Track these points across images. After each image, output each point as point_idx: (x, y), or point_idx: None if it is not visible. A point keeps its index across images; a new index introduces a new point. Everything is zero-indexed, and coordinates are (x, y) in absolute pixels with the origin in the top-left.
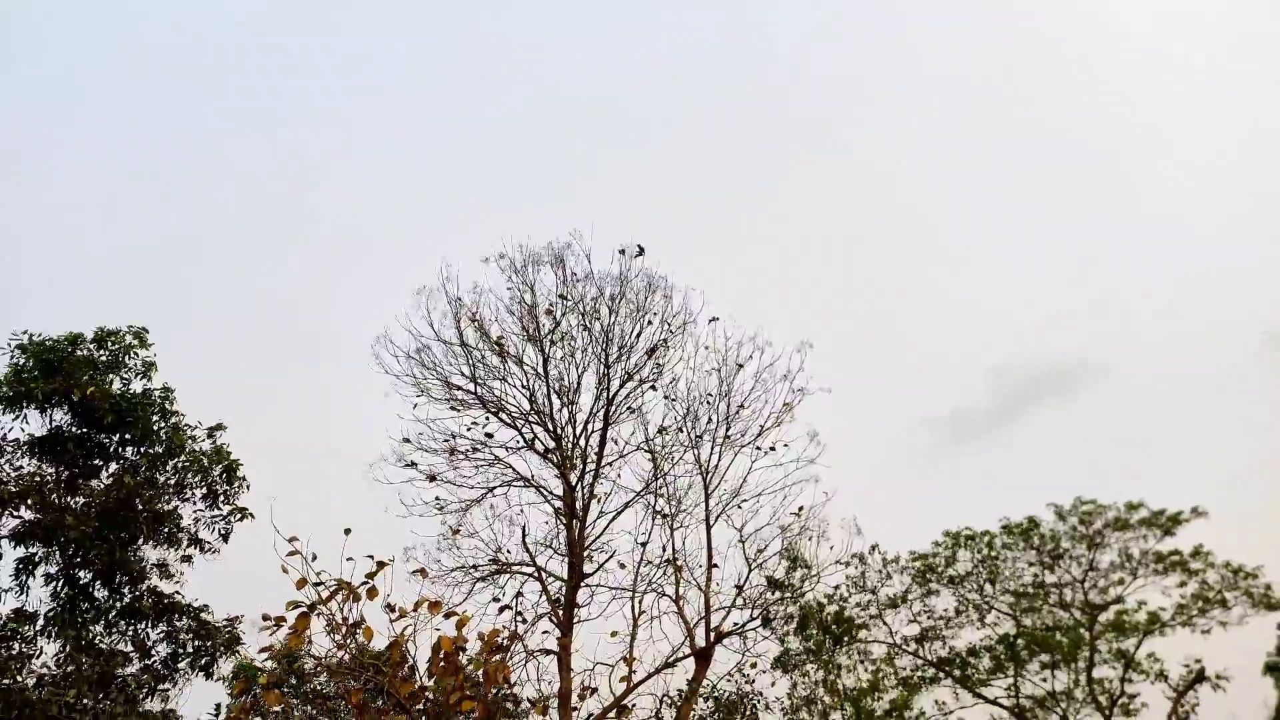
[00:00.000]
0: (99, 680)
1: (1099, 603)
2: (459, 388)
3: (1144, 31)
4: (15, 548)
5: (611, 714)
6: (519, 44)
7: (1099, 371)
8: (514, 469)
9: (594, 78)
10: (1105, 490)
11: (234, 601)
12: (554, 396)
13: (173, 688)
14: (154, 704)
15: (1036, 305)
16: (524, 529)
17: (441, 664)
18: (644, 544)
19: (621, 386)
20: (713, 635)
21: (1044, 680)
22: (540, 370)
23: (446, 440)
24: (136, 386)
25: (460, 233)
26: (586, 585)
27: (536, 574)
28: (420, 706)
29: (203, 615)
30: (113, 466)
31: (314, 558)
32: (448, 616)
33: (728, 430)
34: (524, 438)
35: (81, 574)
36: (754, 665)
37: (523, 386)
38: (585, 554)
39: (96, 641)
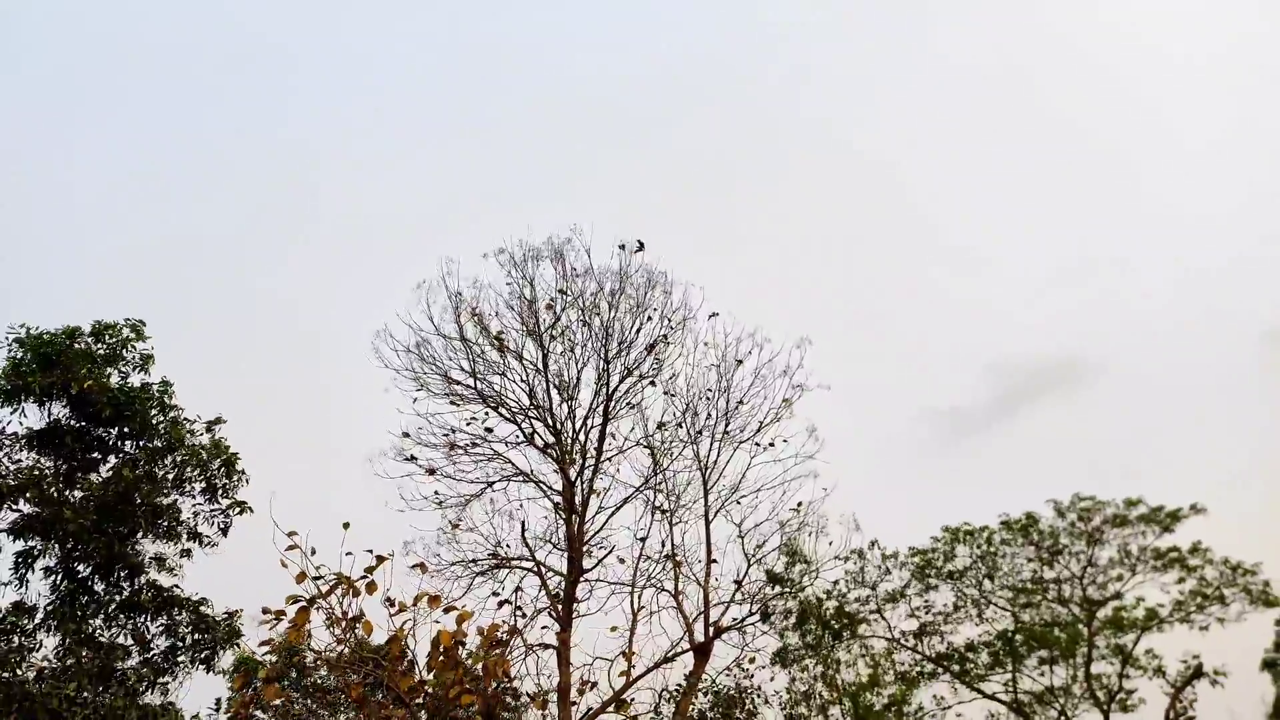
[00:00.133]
0: (99, 673)
1: (1097, 599)
2: (459, 382)
3: (1142, 29)
4: (14, 541)
5: (611, 708)
6: (519, 43)
7: (1097, 368)
8: (513, 464)
9: (594, 77)
10: (1103, 487)
11: (233, 595)
12: (554, 391)
13: (173, 681)
14: (154, 697)
15: (1035, 302)
16: (523, 524)
17: (441, 658)
18: (643, 539)
19: (621, 382)
20: (711, 630)
21: (1042, 675)
22: (540, 365)
23: (446, 435)
24: (135, 380)
25: (461, 232)
26: (586, 580)
27: (536, 569)
28: (420, 700)
29: (202, 609)
30: (112, 460)
31: (313, 552)
32: (447, 611)
33: (727, 426)
34: (524, 433)
35: (80, 567)
36: (752, 660)
37: (522, 381)
38: (584, 549)
39: (96, 635)
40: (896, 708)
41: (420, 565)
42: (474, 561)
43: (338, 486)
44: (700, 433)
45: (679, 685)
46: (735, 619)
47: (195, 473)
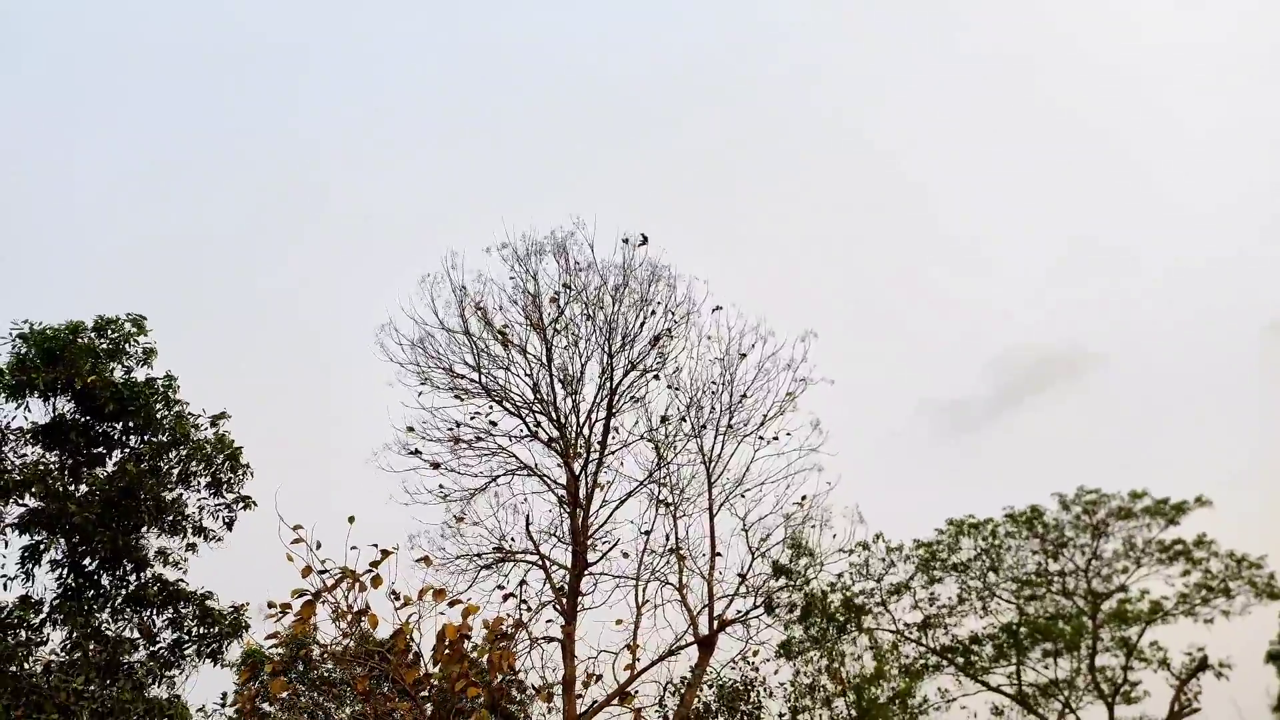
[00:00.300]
0: (106, 667)
1: (1102, 591)
2: (463, 376)
3: (1143, 22)
4: (20, 536)
5: (615, 701)
6: (523, 40)
7: (1099, 362)
8: (518, 458)
9: (596, 74)
10: (1106, 479)
11: (238, 590)
12: (558, 386)
13: (179, 674)
14: (160, 690)
15: (1038, 296)
16: (528, 517)
17: (447, 651)
18: (647, 533)
19: (625, 376)
20: (716, 623)
21: (1046, 668)
22: (544, 359)
23: (450, 429)
24: (139, 375)
25: (465, 229)
26: (590, 573)
27: (540, 562)
28: (425, 693)
29: (207, 602)
30: (117, 455)
31: (318, 546)
32: (452, 604)
33: (730, 420)
34: (528, 426)
35: (86, 562)
36: (756, 653)
37: (526, 375)
38: (589, 543)
39: (102, 629)
40: (901, 700)
41: (425, 559)
42: (479, 555)
43: (341, 482)
44: (704, 426)
45: (683, 678)
46: (740, 612)
47: (200, 467)
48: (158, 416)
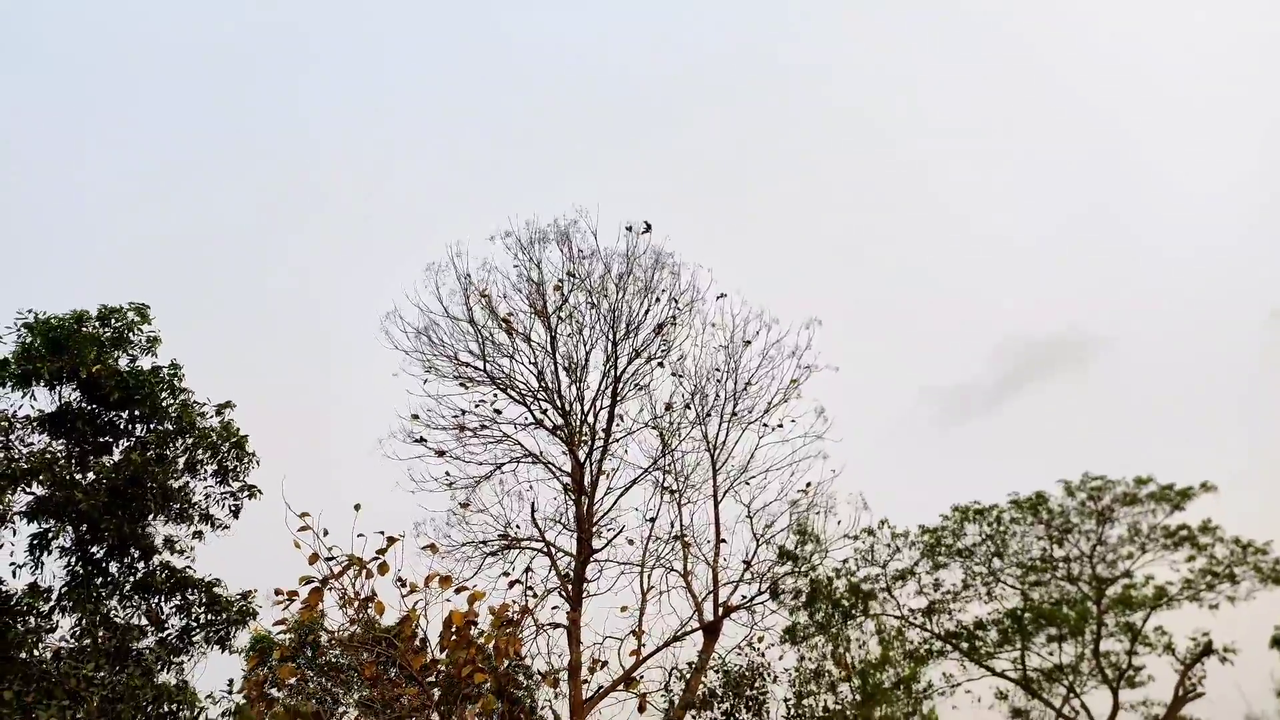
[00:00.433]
0: (115, 653)
1: (1107, 577)
2: (467, 365)
3: (1148, 8)
4: (29, 524)
5: (621, 686)
6: (530, 36)
7: (1103, 345)
8: (522, 445)
9: (600, 71)
10: (1110, 465)
11: (244, 577)
12: (562, 373)
13: (188, 660)
14: (169, 676)
15: (1042, 281)
16: (533, 505)
17: (453, 637)
18: (652, 520)
19: (629, 364)
20: (720, 609)
21: (1051, 653)
22: (548, 347)
23: (455, 416)
24: (144, 363)
25: (470, 220)
26: (595, 560)
27: (546, 549)
28: (432, 679)
29: (215, 589)
30: (123, 443)
31: (325, 533)
32: (458, 591)
33: (735, 407)
34: (533, 414)
35: (95, 549)
36: (761, 639)
37: (531, 363)
38: (594, 529)
39: (111, 615)
40: (906, 685)
41: (431, 546)
42: (484, 542)
43: (347, 471)
44: (709, 414)
45: (689, 663)
46: (744, 598)
47: (206, 455)
48: (163, 405)
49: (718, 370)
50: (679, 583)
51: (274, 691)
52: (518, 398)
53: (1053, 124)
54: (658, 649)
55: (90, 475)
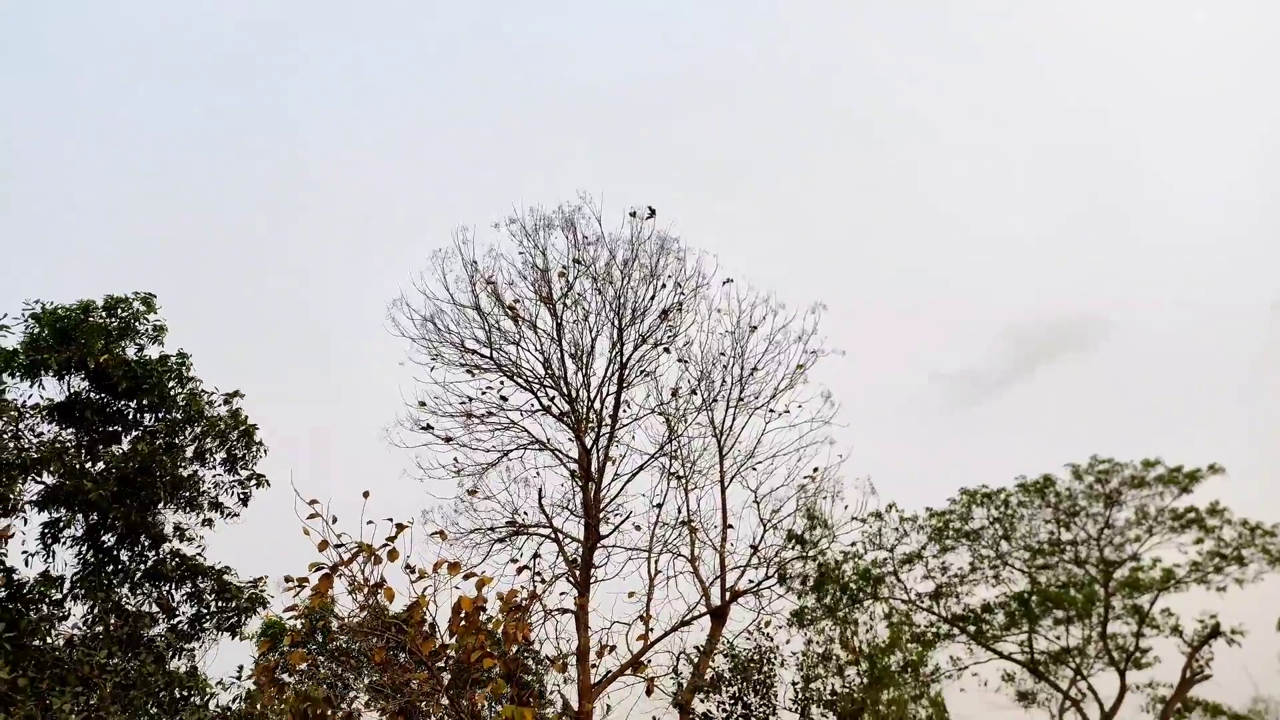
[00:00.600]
0: (127, 641)
1: (1114, 559)
2: (474, 352)
3: (1152, 4)
4: (40, 513)
5: (629, 670)
6: (533, 34)
7: (1111, 328)
8: (529, 432)
9: (602, 69)
10: (1118, 448)
11: (254, 565)
12: (568, 360)
13: (199, 647)
14: (181, 663)
15: (1046, 272)
16: (540, 491)
17: (462, 623)
18: (659, 505)
19: (635, 350)
20: (728, 594)
21: (1058, 636)
22: (554, 334)
23: (462, 404)
24: (151, 353)
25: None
26: (603, 546)
27: (553, 535)
28: (442, 664)
29: (225, 577)
30: (132, 432)
31: (334, 520)
32: (467, 577)
33: (741, 392)
34: (539, 401)
35: (105, 538)
36: (768, 623)
37: (537, 350)
38: (601, 515)
39: (123, 603)
40: (913, 669)
41: (439, 533)
42: (492, 529)
43: (355, 459)
44: (715, 399)
45: (697, 648)
46: (752, 582)
47: (215, 444)
48: (171, 394)
49: (724, 355)
50: (686, 568)
51: (285, 677)
52: (524, 384)
53: (1052, 123)
54: (665, 634)
55: (100, 464)
